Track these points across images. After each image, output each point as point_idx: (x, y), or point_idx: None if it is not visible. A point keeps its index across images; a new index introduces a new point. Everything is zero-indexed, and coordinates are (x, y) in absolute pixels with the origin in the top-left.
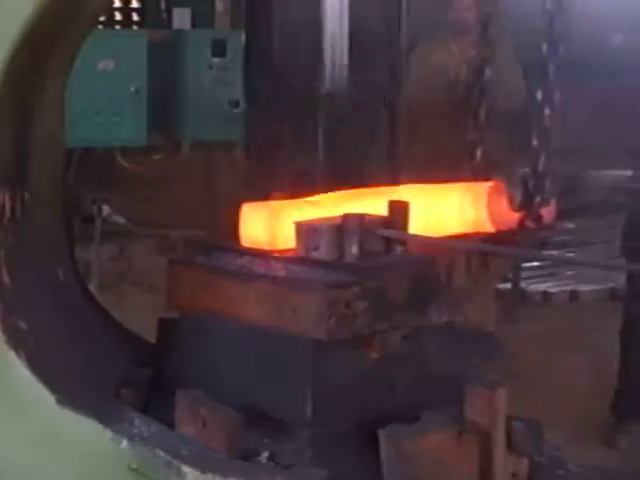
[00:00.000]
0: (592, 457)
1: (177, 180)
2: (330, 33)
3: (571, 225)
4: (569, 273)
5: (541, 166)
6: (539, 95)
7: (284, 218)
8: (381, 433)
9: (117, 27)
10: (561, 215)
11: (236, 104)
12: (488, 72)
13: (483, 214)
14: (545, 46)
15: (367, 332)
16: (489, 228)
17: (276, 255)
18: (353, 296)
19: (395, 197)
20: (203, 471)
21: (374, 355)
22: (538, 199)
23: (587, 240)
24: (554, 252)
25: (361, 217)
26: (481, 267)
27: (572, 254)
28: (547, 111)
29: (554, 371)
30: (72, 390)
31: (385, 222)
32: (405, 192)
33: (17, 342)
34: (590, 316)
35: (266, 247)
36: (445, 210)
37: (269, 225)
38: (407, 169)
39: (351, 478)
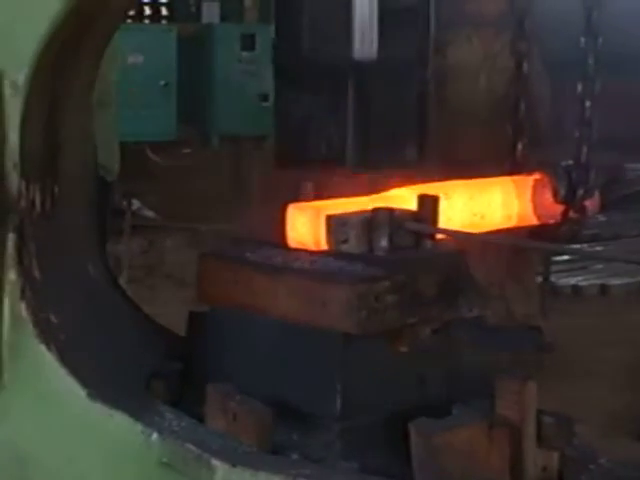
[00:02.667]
0: (624, 451)
1: (207, 173)
2: (360, 23)
3: (602, 218)
4: (599, 267)
5: (584, 157)
6: (579, 87)
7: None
8: (411, 427)
9: (146, 21)
10: (606, 206)
11: (265, 97)
12: (526, 66)
13: (528, 207)
14: (583, 39)
15: (397, 326)
16: (534, 221)
17: (306, 248)
18: (383, 290)
19: (439, 192)
20: (233, 465)
21: (404, 349)
22: (581, 191)
23: (618, 233)
24: (584, 246)
25: (391, 211)
26: (516, 261)
27: (602, 248)
28: (588, 103)
29: (585, 365)
30: (103, 384)
31: (415, 216)
32: (448, 188)
33: (48, 336)
34: (621, 310)
35: (312, 248)
36: (489, 204)
37: (315, 226)
38: (438, 153)
39: (381, 472)
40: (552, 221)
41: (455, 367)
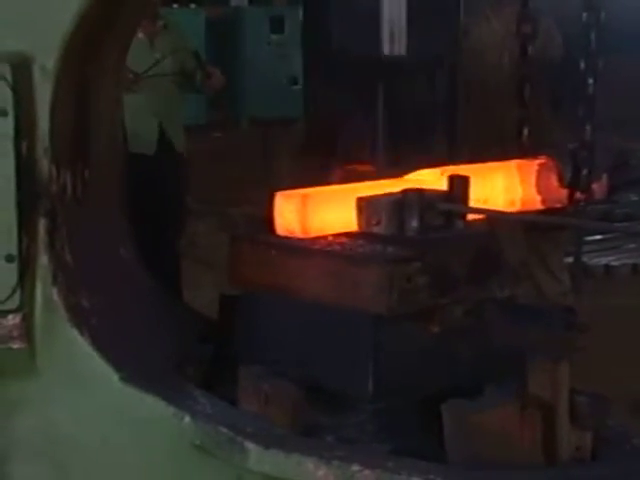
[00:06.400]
0: None
1: (236, 157)
2: (388, 6)
3: (635, 197)
4: (631, 246)
5: (588, 136)
6: (582, 64)
7: (317, 207)
8: (444, 407)
9: (175, 5)
10: (614, 189)
11: (294, 80)
12: (531, 49)
13: (532, 192)
14: (585, 14)
15: (429, 306)
16: (539, 205)
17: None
18: (415, 270)
19: (440, 177)
20: (266, 447)
21: (436, 329)
22: (586, 171)
23: None
24: (617, 225)
25: (421, 191)
26: (543, 239)
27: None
28: (590, 80)
29: (617, 345)
30: (135, 367)
31: (445, 196)
32: (450, 173)
33: (80, 320)
34: None
35: (300, 235)
36: (492, 189)
37: (302, 214)
38: (466, 143)
39: (414, 453)
40: (558, 205)
41: (487, 347)
